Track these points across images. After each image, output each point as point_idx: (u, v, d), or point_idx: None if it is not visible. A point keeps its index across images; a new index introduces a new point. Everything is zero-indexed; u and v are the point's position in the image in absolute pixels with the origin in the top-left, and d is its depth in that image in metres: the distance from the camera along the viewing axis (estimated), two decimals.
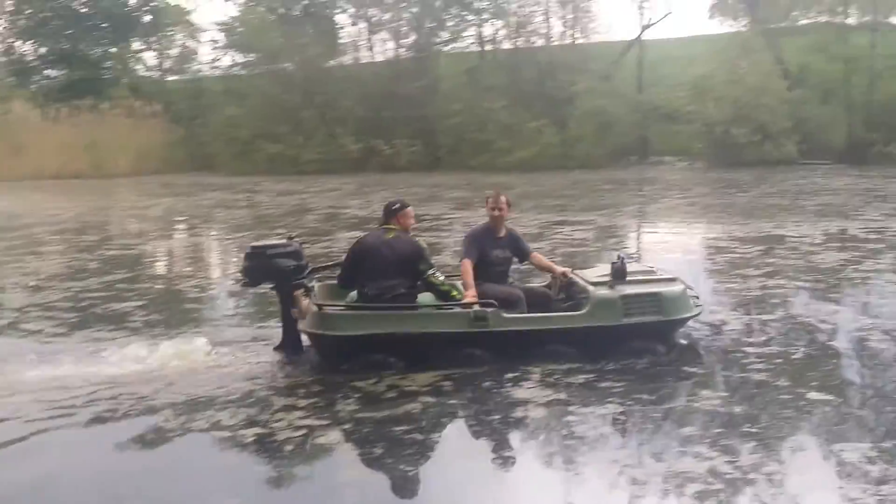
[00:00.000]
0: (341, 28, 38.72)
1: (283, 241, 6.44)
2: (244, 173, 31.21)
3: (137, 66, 40.78)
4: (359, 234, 14.59)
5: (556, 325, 6.20)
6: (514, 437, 4.98)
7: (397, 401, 5.41)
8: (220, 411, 5.27)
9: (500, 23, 37.61)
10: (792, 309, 7.87)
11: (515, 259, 6.94)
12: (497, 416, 5.18)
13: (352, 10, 37.75)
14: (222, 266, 12.90)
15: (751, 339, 6.75)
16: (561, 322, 6.22)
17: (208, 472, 4.58)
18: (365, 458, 4.64)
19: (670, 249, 12.80)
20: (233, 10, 37.70)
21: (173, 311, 8.81)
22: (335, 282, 6.61)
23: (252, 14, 36.54)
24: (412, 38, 36.85)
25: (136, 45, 40.75)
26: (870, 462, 4.30)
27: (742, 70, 31.23)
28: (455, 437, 5.08)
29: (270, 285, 6.44)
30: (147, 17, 40.63)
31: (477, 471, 4.47)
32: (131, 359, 6.38)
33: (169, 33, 40.41)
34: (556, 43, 37.02)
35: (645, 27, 38.02)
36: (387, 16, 37.08)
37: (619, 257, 6.48)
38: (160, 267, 12.71)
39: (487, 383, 5.75)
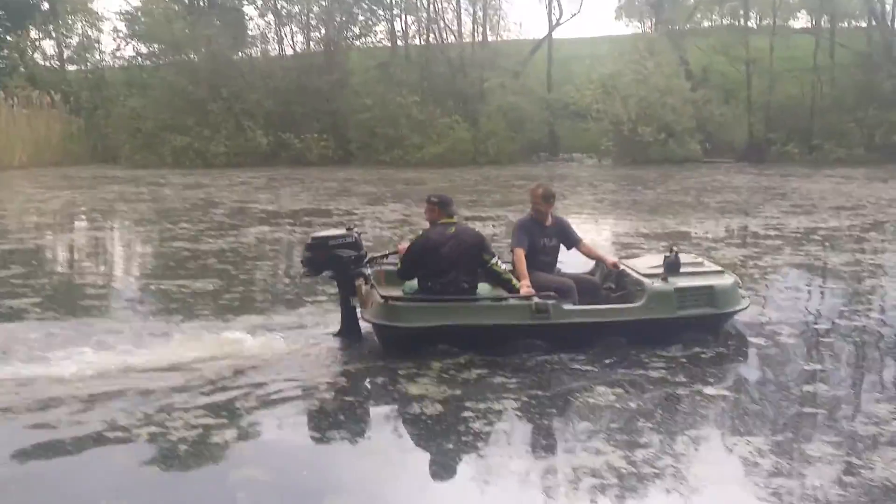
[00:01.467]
0: (249, 20, 37.97)
1: (343, 231, 6.59)
2: (149, 166, 30.29)
3: (35, 55, 39.11)
4: (267, 229, 14.62)
5: (613, 317, 6.33)
6: (410, 434, 4.91)
7: (294, 400, 5.29)
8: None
9: (411, 18, 37.55)
10: None
11: (563, 247, 7.06)
12: (392, 412, 5.12)
13: (260, 2, 37.05)
14: (125, 260, 12.52)
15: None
16: (618, 315, 6.34)
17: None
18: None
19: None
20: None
21: (70, 307, 8.46)
22: (390, 268, 6.89)
23: (156, 3, 35.47)
24: (322, 31, 36.41)
25: (33, 34, 39.06)
26: (762, 455, 4.39)
27: (647, 70, 31.91)
28: (351, 434, 4.98)
29: (330, 274, 6.61)
30: (45, 5, 38.97)
31: (370, 469, 4.39)
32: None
33: (69, 21, 38.85)
34: (467, 40, 37.12)
35: (553, 26, 38.49)
36: (296, 8, 36.53)
37: (671, 250, 6.61)
38: (58, 261, 12.21)
39: (381, 379, 5.69)
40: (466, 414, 5.06)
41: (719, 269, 6.95)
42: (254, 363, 5.97)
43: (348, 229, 6.65)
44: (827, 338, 6.36)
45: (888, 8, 33.98)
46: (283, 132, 32.44)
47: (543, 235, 6.87)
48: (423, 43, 37.32)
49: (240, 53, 35.84)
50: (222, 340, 6.55)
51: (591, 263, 7.31)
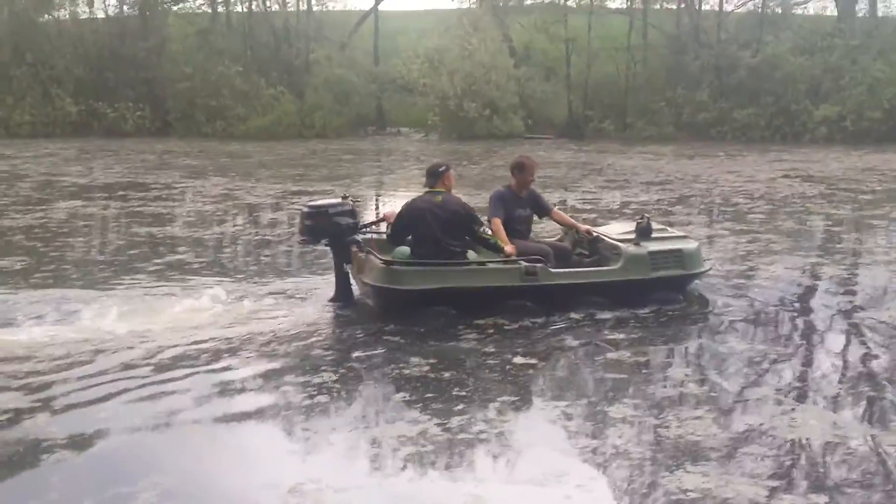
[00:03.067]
0: None
1: (339, 200, 6.93)
2: None
3: None
4: (79, 203, 13.83)
5: (594, 278, 6.85)
6: (231, 416, 4.78)
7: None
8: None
9: None
10: None
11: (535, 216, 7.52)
12: (215, 398, 4.99)
13: None
14: None
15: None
16: (598, 276, 6.88)
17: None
18: None
19: None
20: None
21: None
22: (379, 237, 7.22)
23: None
24: None
25: None
26: (568, 418, 4.58)
27: (472, 46, 32.41)
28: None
29: (326, 242, 6.92)
30: None
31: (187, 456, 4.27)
32: None
33: None
34: (291, 9, 36.40)
35: None
36: None
37: (643, 217, 7.09)
38: None
39: (206, 356, 5.54)
40: (286, 388, 5.01)
41: (684, 234, 7.62)
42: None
43: (344, 198, 7.00)
44: (630, 308, 6.70)
45: None
46: (95, 101, 30.81)
47: (518, 206, 7.28)
48: (245, 10, 36.23)
49: (46, 16, 33.51)
50: None
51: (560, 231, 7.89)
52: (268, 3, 36.23)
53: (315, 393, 4.95)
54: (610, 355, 5.69)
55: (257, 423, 4.60)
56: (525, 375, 5.39)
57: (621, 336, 6.14)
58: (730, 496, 3.65)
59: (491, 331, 6.29)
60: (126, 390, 4.94)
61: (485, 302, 6.58)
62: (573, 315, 6.60)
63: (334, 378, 5.22)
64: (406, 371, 5.37)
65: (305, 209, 6.91)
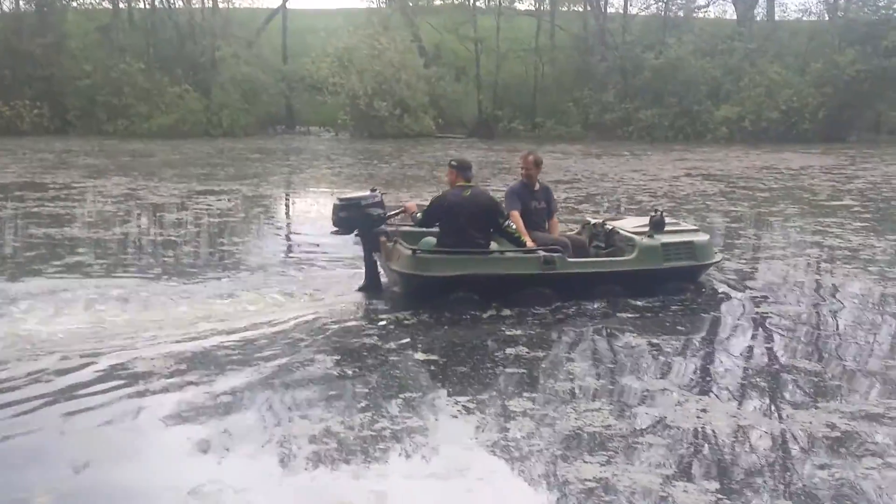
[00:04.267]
0: None
1: (370, 192, 7.25)
2: None
3: None
4: None
5: (610, 268, 7.23)
6: (136, 418, 4.64)
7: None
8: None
9: None
10: None
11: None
12: (118, 401, 4.84)
13: None
14: None
15: (371, 307, 6.96)
16: (614, 266, 7.24)
17: None
18: None
19: (317, 218, 12.91)
20: None
21: None
22: (406, 229, 7.52)
23: None
24: None
25: None
26: (469, 413, 4.62)
27: (382, 46, 32.38)
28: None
29: (355, 232, 7.26)
30: None
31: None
32: None
33: None
34: (196, 5, 35.68)
35: None
36: None
37: (657, 211, 7.56)
38: None
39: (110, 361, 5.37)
40: (190, 391, 4.91)
41: (696, 228, 8.07)
42: None
43: (373, 190, 7.32)
44: (530, 304, 6.80)
45: None
46: None
47: (533, 199, 7.67)
48: (148, 6, 35.35)
49: None
50: None
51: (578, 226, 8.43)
52: (171, 0, 35.44)
53: (219, 394, 4.86)
54: (510, 351, 5.75)
55: (162, 425, 4.48)
56: (428, 371, 5.40)
57: (519, 332, 6.20)
58: (626, 484, 3.73)
59: (392, 327, 6.32)
60: (29, 397, 4.77)
61: (505, 289, 6.94)
62: (476, 312, 6.65)
63: (238, 379, 5.12)
64: (310, 368, 5.33)
65: (338, 202, 7.22)
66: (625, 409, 4.69)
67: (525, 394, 4.88)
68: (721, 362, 5.71)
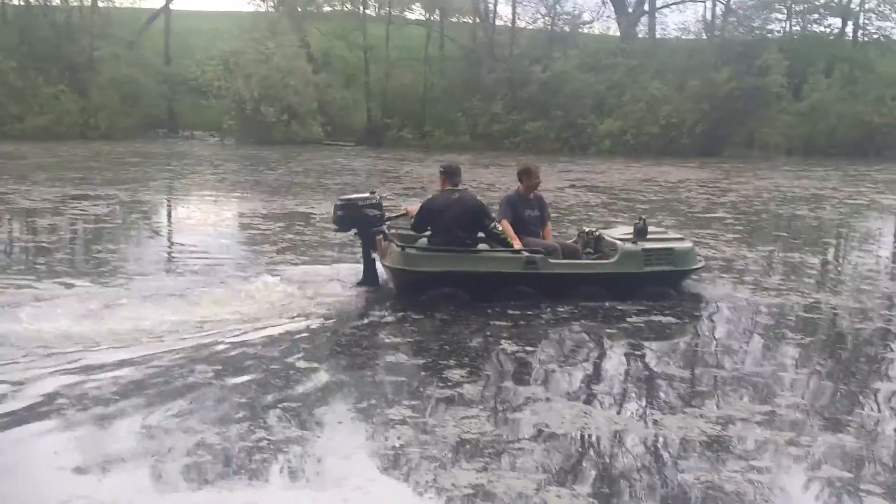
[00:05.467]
0: None
1: (368, 194, 7.73)
2: None
3: None
4: None
5: (590, 270, 7.67)
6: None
7: None
8: None
9: None
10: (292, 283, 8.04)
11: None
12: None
13: None
14: None
15: (240, 312, 6.81)
16: (595, 268, 7.69)
17: None
18: None
19: (199, 224, 12.61)
20: None
21: None
22: (403, 232, 7.95)
23: None
24: None
25: None
26: (344, 422, 4.59)
27: (269, 50, 31.95)
28: None
29: (355, 231, 7.76)
30: None
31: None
32: None
33: None
34: (74, 3, 34.34)
35: None
36: None
37: (640, 219, 7.90)
38: None
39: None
40: (62, 402, 4.69)
41: (680, 236, 8.45)
42: None
43: (371, 192, 7.78)
44: (409, 310, 6.85)
45: (491, 6, 37.39)
46: None
47: (527, 207, 8.02)
48: (22, 3, 33.81)
49: None
50: None
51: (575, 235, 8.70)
52: None
53: (91, 405, 4.67)
54: (389, 358, 5.74)
55: (30, 439, 4.27)
56: (306, 380, 5.30)
57: (398, 339, 6.21)
58: (501, 490, 3.76)
59: (271, 333, 6.21)
60: None
61: (488, 286, 7.27)
62: (353, 321, 6.62)
63: (110, 389, 4.94)
64: (190, 379, 5.18)
65: (338, 202, 7.68)
66: (503, 415, 4.73)
67: (405, 401, 4.87)
68: (601, 370, 5.85)
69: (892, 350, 6.39)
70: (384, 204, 7.85)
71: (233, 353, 5.78)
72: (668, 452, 4.31)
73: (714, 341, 6.69)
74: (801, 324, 7.12)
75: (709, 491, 3.85)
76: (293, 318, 6.61)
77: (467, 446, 4.23)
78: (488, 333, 6.53)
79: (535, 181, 8.14)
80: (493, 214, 7.67)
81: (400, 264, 7.27)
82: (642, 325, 6.91)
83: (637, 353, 6.28)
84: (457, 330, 6.60)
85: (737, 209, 15.65)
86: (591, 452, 4.31)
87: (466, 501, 3.69)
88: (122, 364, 5.40)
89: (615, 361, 6.08)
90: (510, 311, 7.06)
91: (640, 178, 22.22)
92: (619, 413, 4.88)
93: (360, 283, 7.74)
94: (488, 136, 33.10)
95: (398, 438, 4.31)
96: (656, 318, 7.10)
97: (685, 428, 4.58)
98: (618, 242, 7.73)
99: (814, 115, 33.71)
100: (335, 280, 7.92)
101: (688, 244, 8.13)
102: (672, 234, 8.52)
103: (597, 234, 8.23)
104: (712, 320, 7.36)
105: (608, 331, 6.83)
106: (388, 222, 7.93)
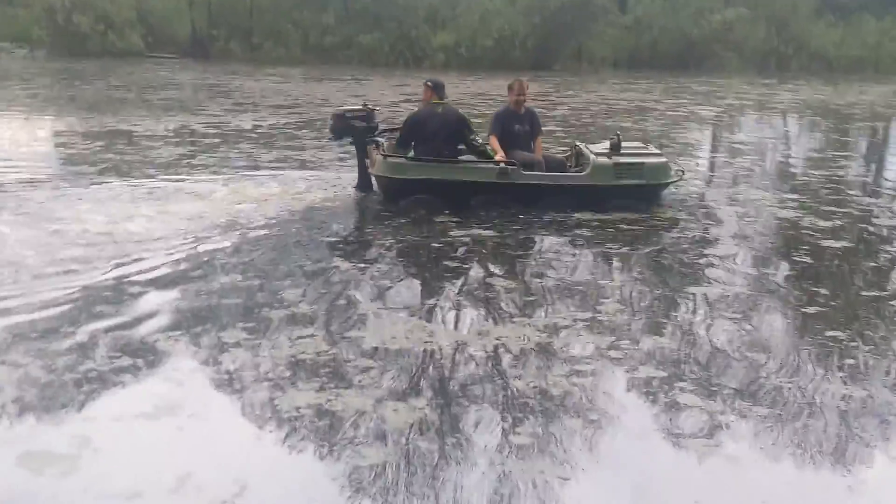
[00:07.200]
0: None
1: (360, 106, 8.34)
2: None
3: None
4: None
5: (562, 181, 8.04)
6: None
7: None
8: None
9: None
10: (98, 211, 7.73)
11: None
12: None
13: None
14: None
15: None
16: (566, 180, 8.08)
17: None
18: None
19: (8, 144, 11.71)
20: None
21: None
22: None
23: None
24: None
25: None
26: (179, 348, 4.48)
27: None
28: None
29: (349, 140, 8.28)
30: None
31: None
32: None
33: None
34: None
35: None
36: None
37: (616, 134, 8.23)
38: None
39: None
40: None
41: (658, 152, 8.62)
42: None
43: (364, 105, 8.38)
44: (249, 232, 6.72)
45: None
46: None
47: (516, 122, 8.30)
48: None
49: None
50: None
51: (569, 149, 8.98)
52: None
53: None
54: (223, 279, 5.63)
55: None
56: (139, 304, 5.12)
57: (234, 260, 6.09)
58: (339, 408, 3.81)
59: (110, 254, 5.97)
60: None
61: (463, 195, 7.77)
62: (189, 242, 6.43)
63: None
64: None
65: (333, 113, 8.28)
66: (335, 334, 4.74)
67: (239, 324, 4.80)
68: (435, 285, 5.94)
69: (705, 256, 6.80)
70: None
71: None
72: (502, 362, 4.47)
73: (540, 253, 6.86)
74: (621, 235, 7.41)
75: (538, 396, 4.03)
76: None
77: (304, 367, 4.24)
78: (323, 256, 6.48)
79: (518, 97, 8.36)
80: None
81: (382, 172, 7.87)
82: (468, 240, 7.00)
83: (465, 266, 6.40)
84: (288, 252, 6.47)
85: (567, 122, 16.05)
86: (429, 366, 4.40)
87: (304, 422, 3.71)
88: None
89: (450, 275, 6.16)
90: (343, 233, 7.05)
91: (473, 91, 22.44)
92: (456, 327, 5.00)
93: (356, 187, 8.38)
94: (321, 48, 32.28)
95: (233, 362, 4.26)
96: (492, 233, 7.26)
97: (518, 338, 4.74)
98: (591, 156, 8.06)
99: (638, 28, 34.87)
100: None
101: (661, 159, 8.40)
102: (651, 150, 8.68)
103: (577, 148, 8.56)
104: (540, 231, 7.53)
105: (436, 245, 6.84)
106: (385, 133, 8.50)
